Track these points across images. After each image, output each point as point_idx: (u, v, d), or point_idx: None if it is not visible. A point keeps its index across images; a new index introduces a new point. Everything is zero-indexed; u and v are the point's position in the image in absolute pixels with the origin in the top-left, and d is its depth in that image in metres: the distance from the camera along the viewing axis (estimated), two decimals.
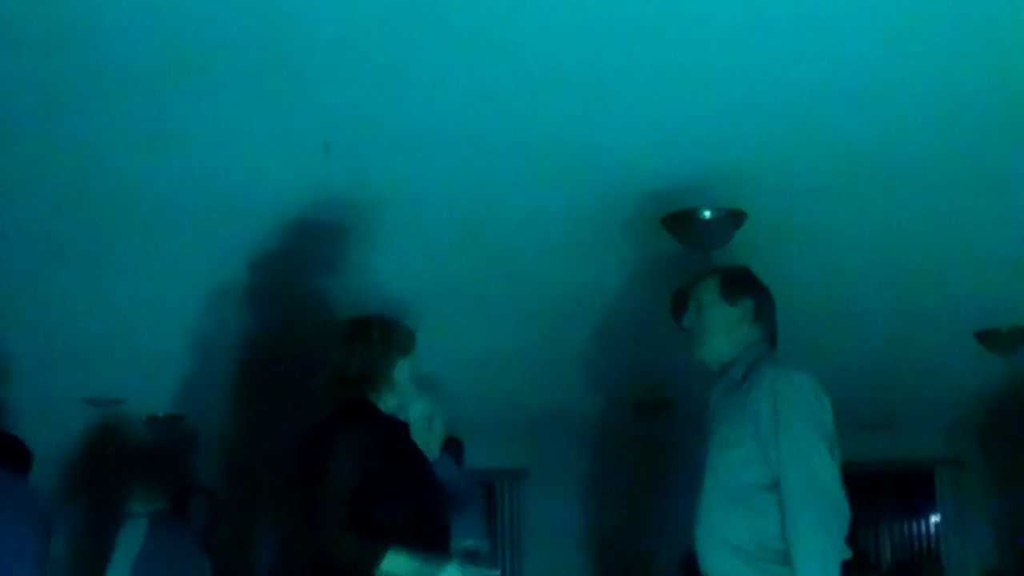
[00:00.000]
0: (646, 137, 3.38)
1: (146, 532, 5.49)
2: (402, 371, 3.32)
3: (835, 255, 4.53)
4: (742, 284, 3.26)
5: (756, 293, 3.25)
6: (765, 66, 2.91)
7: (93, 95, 3.06)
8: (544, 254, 4.50)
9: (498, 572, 3.39)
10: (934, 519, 9.57)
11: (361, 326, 3.34)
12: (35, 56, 2.83)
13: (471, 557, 3.41)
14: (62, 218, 4.02)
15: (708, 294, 3.25)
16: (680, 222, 3.97)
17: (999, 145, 3.45)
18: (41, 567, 4.22)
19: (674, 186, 3.76)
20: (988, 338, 5.67)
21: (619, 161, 3.56)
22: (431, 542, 3.13)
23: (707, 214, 3.93)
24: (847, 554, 2.97)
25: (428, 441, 4.40)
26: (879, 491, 10.59)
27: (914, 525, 11.27)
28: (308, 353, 5.76)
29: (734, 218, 3.96)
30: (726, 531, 3.03)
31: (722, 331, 3.21)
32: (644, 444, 8.39)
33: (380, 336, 3.30)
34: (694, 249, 4.06)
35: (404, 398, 3.36)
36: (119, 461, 8.02)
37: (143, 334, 5.55)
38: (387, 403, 3.29)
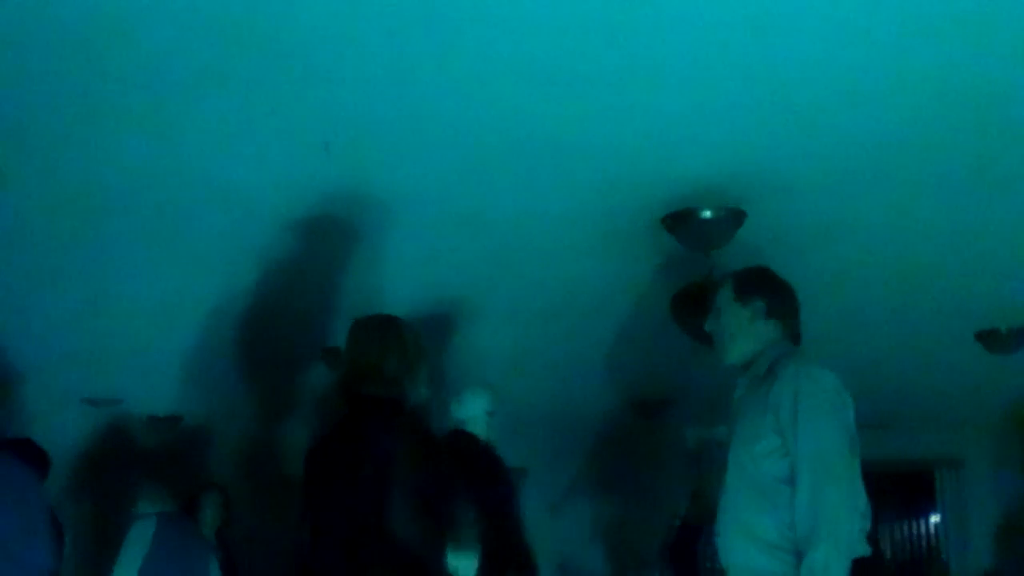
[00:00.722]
0: (646, 137, 3.38)
1: (154, 532, 5.50)
2: (423, 373, 3.37)
3: (835, 255, 4.53)
4: (754, 284, 3.32)
5: (769, 292, 3.31)
6: (765, 66, 2.92)
7: (93, 95, 3.06)
8: (544, 254, 4.50)
9: None
10: (934, 519, 9.57)
11: (392, 326, 3.36)
12: (35, 56, 2.83)
13: None
14: (62, 218, 4.02)
15: (723, 298, 3.33)
16: (680, 222, 3.97)
17: (999, 145, 3.46)
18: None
19: (674, 186, 3.76)
20: (988, 338, 5.68)
21: (619, 161, 3.56)
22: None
23: (707, 214, 3.93)
24: (863, 551, 2.98)
25: (490, 436, 4.59)
26: (879, 491, 10.55)
27: (914, 525, 11.26)
28: (308, 353, 5.78)
29: (734, 218, 3.96)
30: (750, 523, 3.08)
31: (738, 331, 3.27)
32: (644, 444, 8.39)
33: (412, 338, 3.34)
34: (694, 249, 4.07)
35: (422, 398, 3.38)
36: (123, 462, 8.02)
37: (143, 334, 5.55)
38: (416, 400, 3.33)
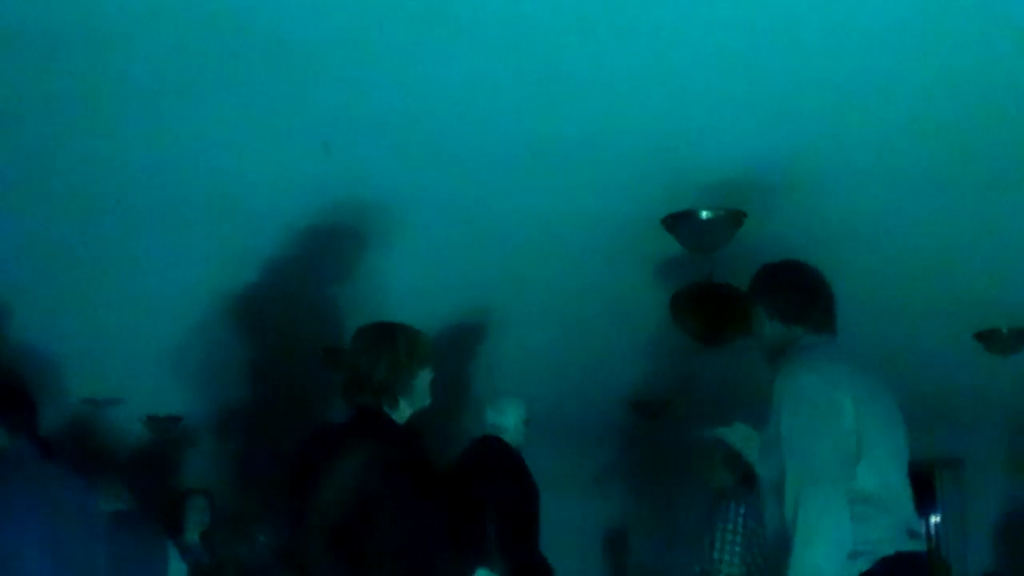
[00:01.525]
0: (646, 137, 3.38)
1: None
2: (423, 380, 3.32)
3: (834, 255, 4.52)
4: (753, 289, 3.25)
5: (766, 294, 3.22)
6: (765, 66, 2.91)
7: (93, 96, 3.06)
8: (544, 254, 4.50)
9: None
10: (934, 519, 9.56)
11: (387, 334, 3.32)
12: (35, 56, 2.83)
13: None
14: (62, 218, 4.02)
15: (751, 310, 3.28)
16: (680, 222, 3.97)
17: (999, 145, 3.46)
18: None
19: (674, 186, 3.76)
20: (988, 338, 5.68)
21: (619, 161, 3.56)
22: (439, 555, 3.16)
23: (707, 214, 3.93)
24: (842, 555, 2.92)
25: (521, 444, 4.79)
26: None
27: None
28: (308, 353, 5.78)
29: (734, 218, 3.96)
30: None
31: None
32: (644, 444, 8.38)
33: (406, 345, 3.30)
34: (694, 249, 4.07)
35: (420, 406, 3.36)
36: (97, 460, 7.97)
37: (143, 334, 5.55)
38: (403, 413, 3.29)
